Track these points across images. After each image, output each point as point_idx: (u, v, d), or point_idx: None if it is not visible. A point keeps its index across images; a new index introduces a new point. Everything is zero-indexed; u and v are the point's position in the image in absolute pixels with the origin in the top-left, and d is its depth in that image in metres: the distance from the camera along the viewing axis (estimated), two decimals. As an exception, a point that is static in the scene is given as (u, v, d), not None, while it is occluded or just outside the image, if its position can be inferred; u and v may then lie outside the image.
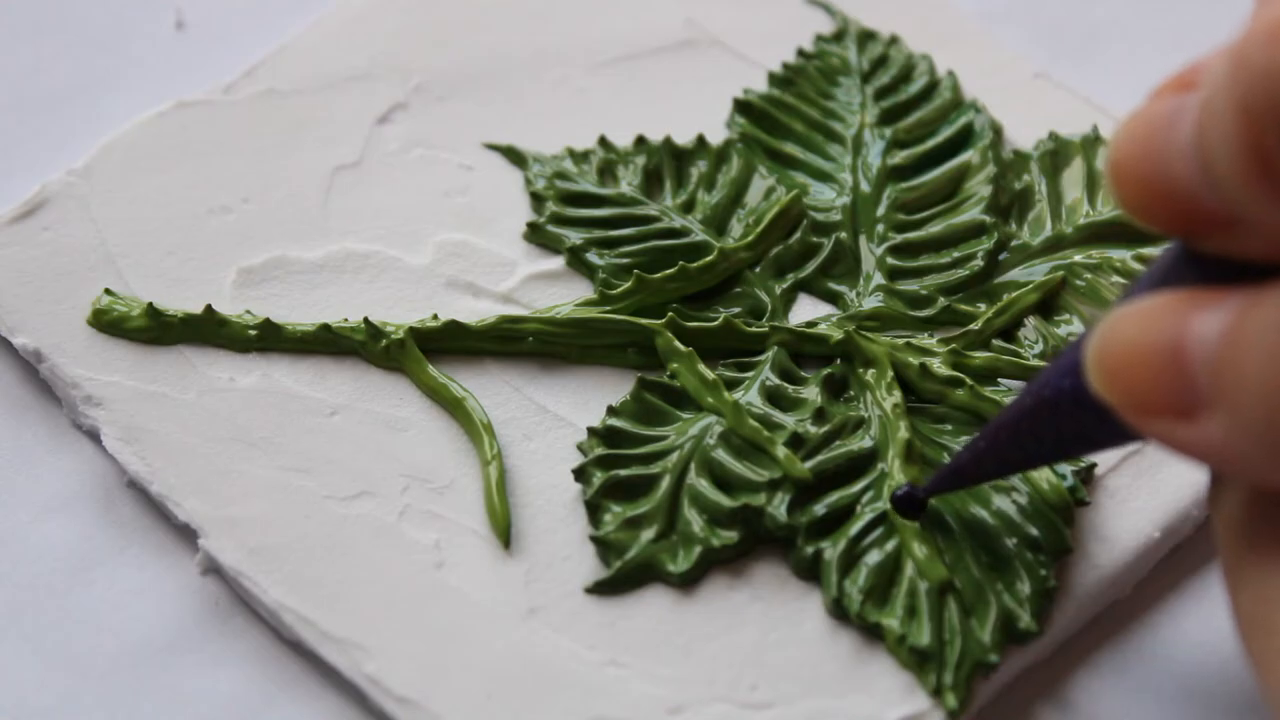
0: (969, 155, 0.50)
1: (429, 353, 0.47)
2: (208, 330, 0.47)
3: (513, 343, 0.47)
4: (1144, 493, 0.45)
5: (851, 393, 0.46)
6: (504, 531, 0.44)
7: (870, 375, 0.46)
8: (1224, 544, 0.36)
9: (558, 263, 0.49)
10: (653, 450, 0.45)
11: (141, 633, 0.44)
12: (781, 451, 0.44)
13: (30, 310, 0.47)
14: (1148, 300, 0.35)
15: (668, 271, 0.47)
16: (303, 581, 0.43)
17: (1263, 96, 0.32)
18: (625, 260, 0.48)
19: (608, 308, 0.47)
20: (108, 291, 0.47)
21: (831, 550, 0.43)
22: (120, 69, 0.55)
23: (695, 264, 0.48)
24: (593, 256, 0.48)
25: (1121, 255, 0.48)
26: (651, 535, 0.43)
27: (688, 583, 0.43)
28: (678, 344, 0.46)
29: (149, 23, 0.56)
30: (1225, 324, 0.33)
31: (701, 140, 0.51)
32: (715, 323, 0.47)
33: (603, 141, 0.51)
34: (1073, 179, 0.50)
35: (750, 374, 0.46)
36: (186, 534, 0.45)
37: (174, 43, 0.55)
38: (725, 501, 0.44)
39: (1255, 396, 0.33)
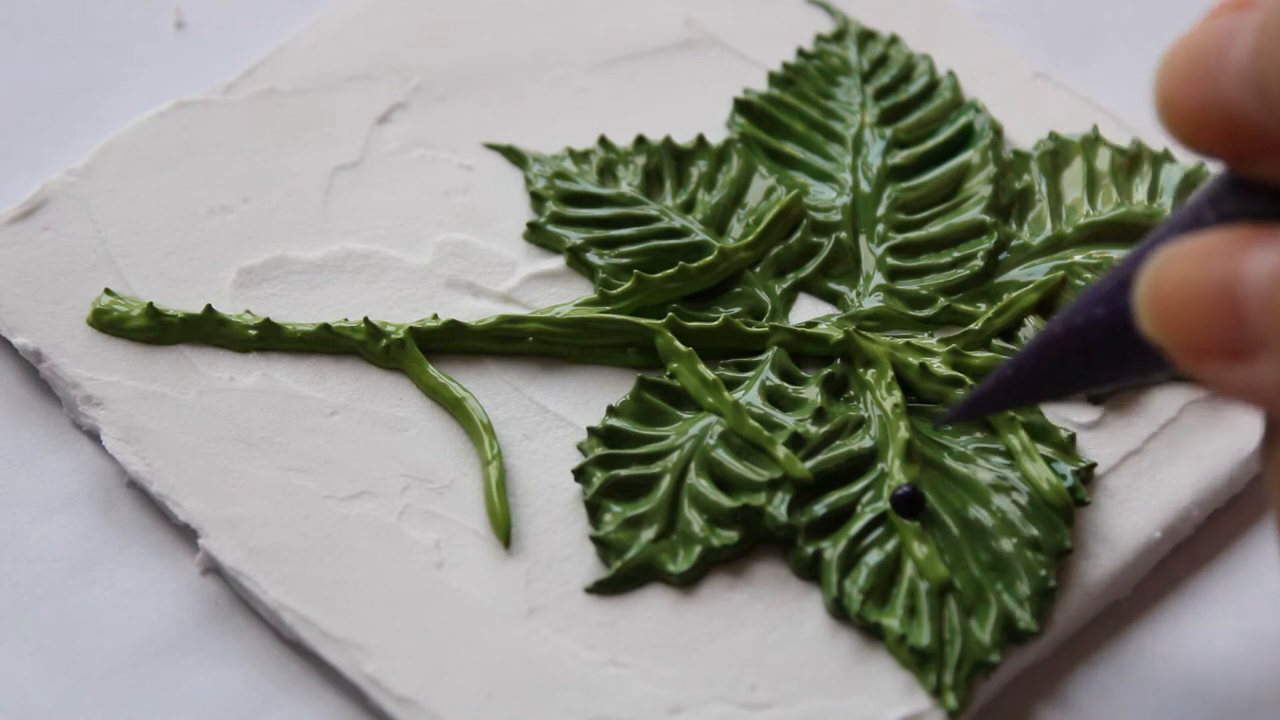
0: (969, 155, 0.50)
1: (429, 353, 0.47)
2: (208, 330, 0.47)
3: (513, 343, 0.47)
4: (1144, 493, 0.45)
5: (851, 393, 0.46)
6: (504, 531, 0.44)
7: (870, 375, 0.46)
8: (1277, 494, 0.36)
9: (558, 263, 0.49)
10: (653, 450, 0.45)
11: (141, 633, 0.44)
12: (781, 451, 0.44)
13: (30, 310, 0.47)
14: (1199, 238, 0.34)
15: (668, 271, 0.47)
16: (303, 581, 0.43)
17: None
18: (625, 260, 0.48)
19: (608, 308, 0.47)
20: (108, 291, 0.47)
21: (832, 550, 0.43)
22: (120, 69, 0.55)
23: (695, 264, 0.48)
24: (593, 256, 0.48)
25: (1121, 255, 0.48)
26: (651, 535, 0.43)
27: (688, 583, 0.43)
28: (678, 344, 0.46)
29: (149, 23, 0.56)
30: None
31: (701, 140, 0.51)
32: (715, 323, 0.47)
33: (603, 141, 0.51)
34: (1073, 179, 0.50)
35: (750, 374, 0.46)
36: (186, 534, 0.45)
37: (174, 43, 0.55)
38: (725, 501, 0.44)
39: None
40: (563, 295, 0.48)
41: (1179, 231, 0.35)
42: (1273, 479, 0.36)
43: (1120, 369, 0.37)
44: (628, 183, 0.50)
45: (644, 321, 0.47)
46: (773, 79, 0.52)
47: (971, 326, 0.47)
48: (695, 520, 0.44)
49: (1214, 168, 0.50)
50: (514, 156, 0.51)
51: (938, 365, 0.46)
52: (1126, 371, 0.37)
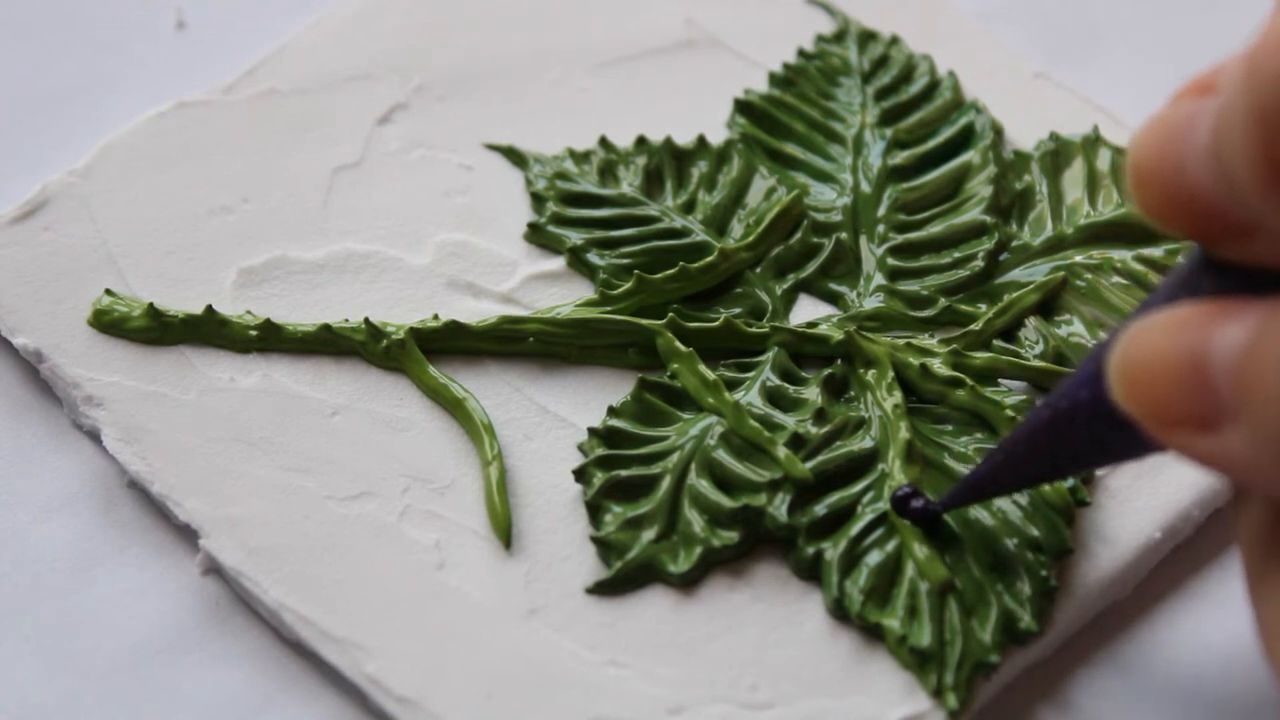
0: (969, 155, 0.50)
1: (429, 353, 0.47)
2: (208, 330, 0.47)
3: (513, 343, 0.47)
4: (1145, 493, 0.45)
5: (852, 393, 0.46)
6: (504, 532, 0.44)
7: (871, 376, 0.46)
8: (1246, 555, 0.37)
9: (558, 263, 0.49)
10: (653, 451, 0.45)
11: (141, 633, 0.44)
12: (782, 452, 0.44)
13: (30, 310, 0.47)
14: (1169, 311, 0.35)
15: (668, 272, 0.47)
16: (303, 581, 0.43)
17: (1277, 104, 0.31)
18: (626, 260, 0.48)
19: (608, 308, 0.47)
20: (108, 291, 0.47)
21: (832, 550, 0.43)
22: (120, 69, 0.55)
23: (696, 264, 0.48)
24: (593, 257, 0.48)
25: (1122, 255, 0.48)
26: (652, 535, 0.43)
27: (688, 583, 0.43)
28: (678, 344, 0.46)
29: (149, 23, 0.56)
30: (1247, 336, 0.33)
31: (702, 140, 0.51)
32: (716, 323, 0.47)
33: (603, 142, 0.51)
34: (1073, 179, 0.50)
35: (751, 374, 0.46)
36: (186, 534, 0.45)
37: (174, 43, 0.55)
38: (726, 502, 0.44)
39: (1277, 409, 0.33)
40: (563, 296, 0.48)
41: (1154, 309, 0.35)
42: (1242, 539, 0.37)
43: (1107, 451, 0.38)
44: (628, 183, 0.50)
45: (644, 322, 0.47)
46: (773, 79, 0.52)
47: (972, 327, 0.47)
48: (696, 521, 0.44)
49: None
50: (514, 157, 0.51)
51: (938, 366, 0.46)
52: (1114, 453, 0.38)
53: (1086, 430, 0.38)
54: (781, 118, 0.51)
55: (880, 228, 0.49)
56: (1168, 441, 0.35)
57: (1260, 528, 0.36)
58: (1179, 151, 0.34)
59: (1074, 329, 0.47)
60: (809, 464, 0.44)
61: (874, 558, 0.43)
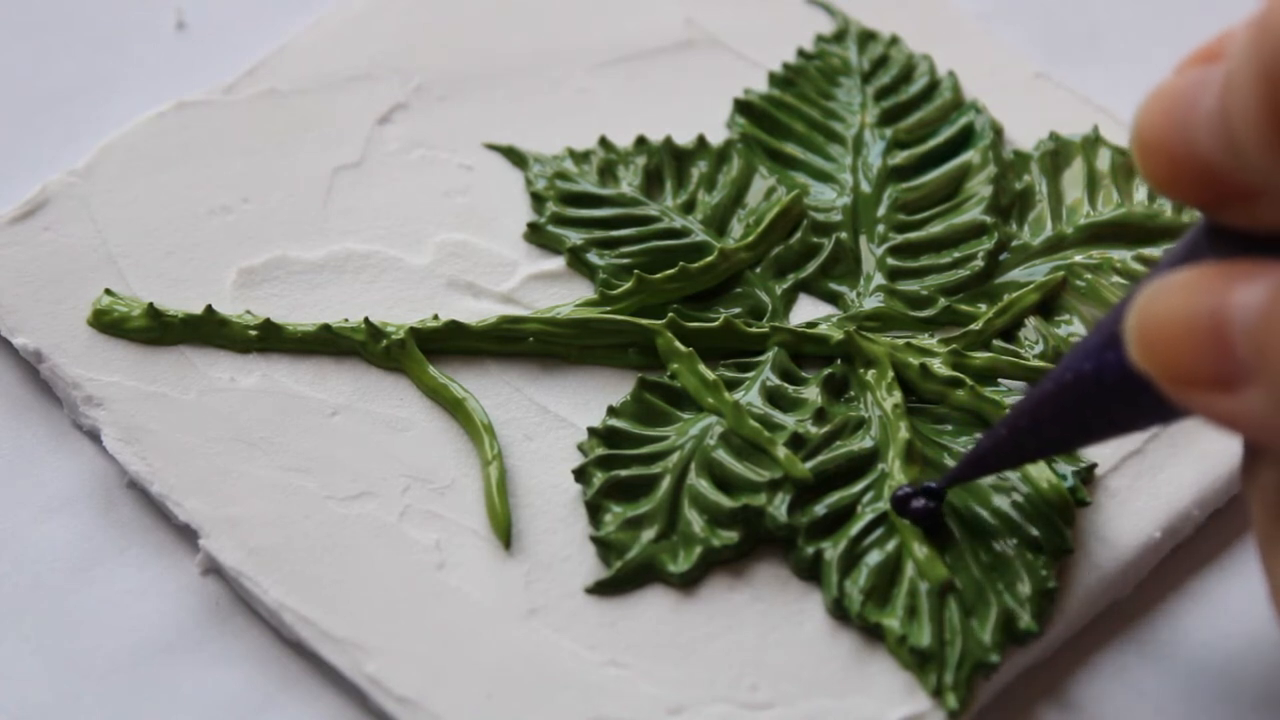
0: (969, 155, 0.50)
1: (429, 353, 0.47)
2: (208, 330, 0.47)
3: (513, 343, 0.47)
4: (1144, 493, 0.45)
5: (852, 393, 0.46)
6: (504, 532, 0.44)
7: (871, 375, 0.46)
8: (1258, 516, 0.37)
9: (558, 263, 0.49)
10: (653, 450, 0.45)
11: (141, 633, 0.44)
12: (782, 452, 0.44)
13: (30, 310, 0.47)
14: (1187, 272, 0.35)
15: (668, 272, 0.47)
16: (303, 581, 0.43)
17: None
18: (625, 260, 0.48)
19: (608, 308, 0.47)
20: (108, 291, 0.47)
21: (832, 550, 0.43)
22: (120, 69, 0.55)
23: (696, 264, 0.48)
24: (593, 257, 0.48)
25: (1122, 255, 0.48)
26: (652, 535, 0.43)
27: (688, 583, 0.43)
28: (678, 344, 0.46)
29: (149, 23, 0.56)
30: (1267, 296, 0.33)
31: (702, 140, 0.51)
32: (715, 323, 0.47)
33: (603, 142, 0.51)
34: (1073, 179, 0.50)
35: (750, 374, 0.46)
36: (186, 534, 0.45)
37: (174, 43, 0.55)
38: (725, 502, 0.44)
39: None
40: (563, 295, 0.48)
41: (1162, 272, 0.36)
42: (1254, 500, 0.37)
43: (1110, 423, 0.38)
44: (628, 183, 0.50)
45: (644, 322, 0.47)
46: (773, 79, 0.52)
47: (972, 327, 0.47)
48: (695, 520, 0.44)
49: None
50: (514, 157, 0.51)
51: (938, 365, 0.46)
52: (1116, 425, 0.38)
53: (1093, 402, 0.38)
54: (781, 118, 0.51)
55: (880, 228, 0.49)
56: (1186, 401, 0.35)
57: (1274, 490, 0.36)
58: (1184, 118, 0.34)
59: (1074, 329, 0.47)
60: (809, 464, 0.44)
61: (874, 558, 0.43)
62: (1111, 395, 0.37)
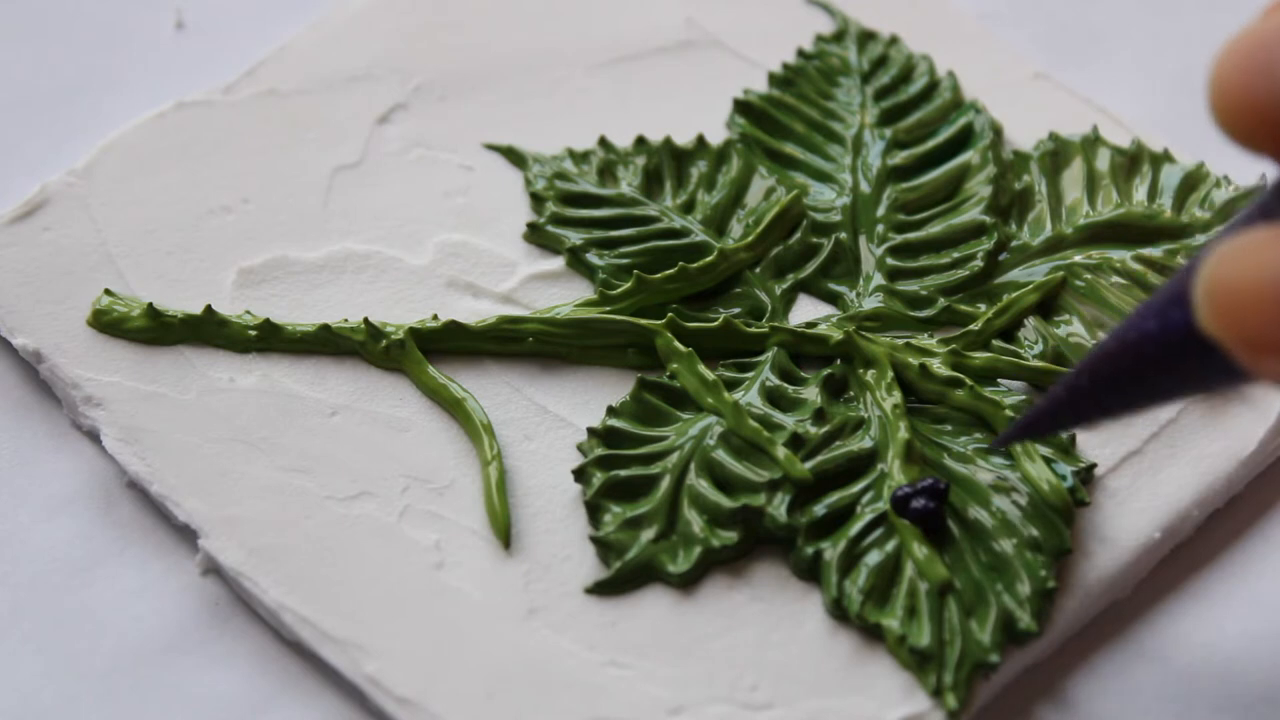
0: (969, 155, 0.50)
1: (429, 353, 0.47)
2: (208, 330, 0.47)
3: (513, 343, 0.47)
4: (1144, 493, 0.45)
5: (851, 393, 0.46)
6: (504, 532, 0.44)
7: (870, 376, 0.46)
8: None
9: (558, 263, 0.49)
10: (653, 450, 0.45)
11: (141, 633, 0.44)
12: (781, 452, 0.44)
13: (30, 310, 0.47)
14: (1259, 233, 0.34)
15: (668, 272, 0.48)
16: (303, 581, 0.43)
17: None
18: (625, 260, 0.48)
19: (608, 308, 0.47)
20: (108, 292, 0.47)
21: (831, 550, 0.43)
22: (120, 69, 0.55)
23: (695, 264, 0.48)
24: (593, 257, 0.48)
25: (1121, 255, 0.48)
26: (651, 535, 0.43)
27: (688, 583, 0.43)
28: (677, 344, 0.46)
29: (149, 23, 0.56)
30: None
31: (701, 140, 0.51)
32: (715, 323, 0.47)
33: (603, 142, 0.51)
34: (1073, 179, 0.50)
35: (750, 374, 0.46)
36: (186, 534, 0.45)
37: (174, 43, 0.55)
38: (725, 502, 0.44)
39: None
40: (563, 296, 0.48)
41: (1235, 235, 0.35)
42: None
43: (1173, 384, 0.37)
44: (628, 183, 0.50)
45: (644, 322, 0.47)
46: (773, 79, 0.52)
47: (971, 327, 0.47)
48: (695, 521, 0.44)
49: (1216, 171, 0.50)
50: (514, 157, 0.51)
51: (938, 366, 0.46)
52: (1180, 387, 0.37)
53: (1156, 362, 0.36)
54: (781, 118, 0.51)
55: (879, 228, 0.49)
56: (1258, 368, 0.34)
57: None
58: (1266, 65, 0.33)
59: (1073, 329, 0.47)
60: (808, 464, 0.44)
61: (873, 558, 0.43)
62: (1176, 355, 0.36)
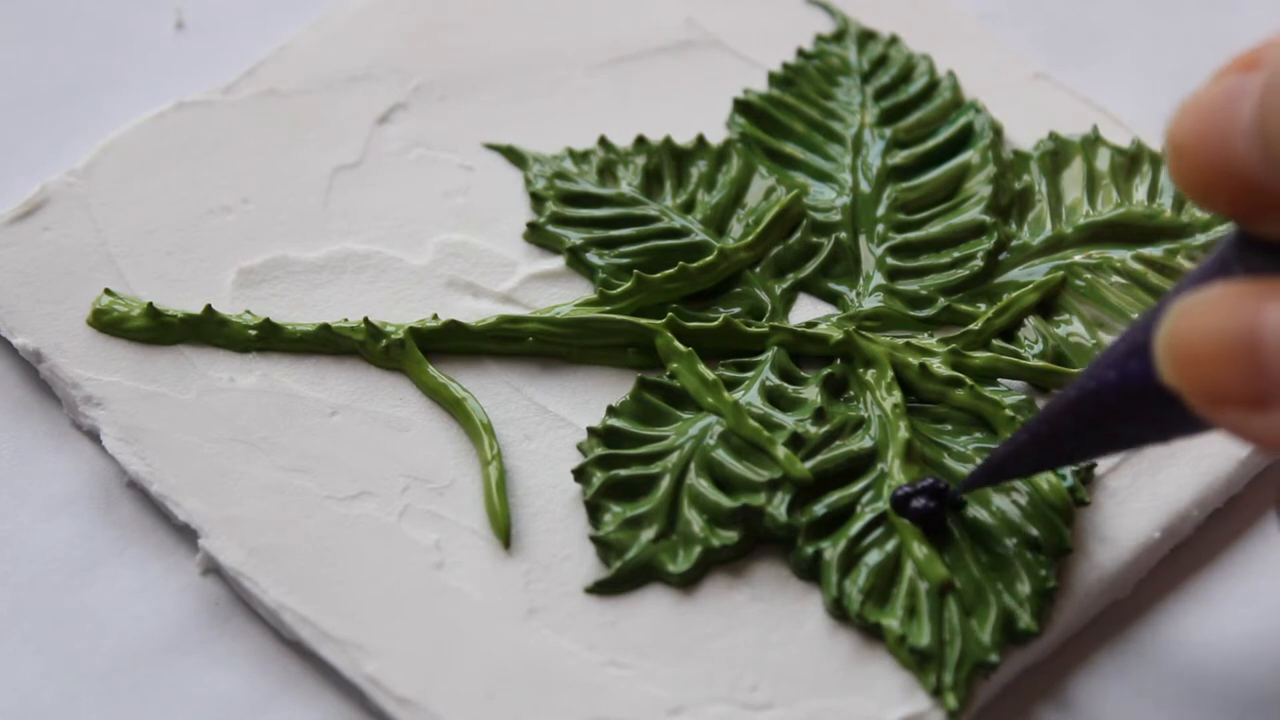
0: (969, 155, 0.50)
1: (429, 353, 0.47)
2: (208, 330, 0.47)
3: (513, 343, 0.47)
4: (1144, 493, 0.45)
5: (851, 393, 0.46)
6: (504, 531, 0.44)
7: (870, 375, 0.46)
8: None
9: (558, 263, 0.49)
10: (653, 450, 0.45)
11: (141, 633, 0.44)
12: (781, 452, 0.44)
13: (30, 310, 0.47)
14: (1218, 288, 0.34)
15: (668, 271, 0.47)
16: (303, 581, 0.43)
17: None
18: (625, 260, 0.48)
19: (608, 308, 0.47)
20: (108, 291, 0.47)
21: (831, 550, 0.43)
22: (120, 69, 0.55)
23: (695, 264, 0.48)
24: (593, 256, 0.48)
25: (1121, 255, 0.48)
26: (651, 535, 0.43)
27: (688, 583, 0.43)
28: (677, 344, 0.46)
29: (149, 23, 0.56)
30: None
31: (701, 140, 0.51)
32: (715, 323, 0.47)
33: (603, 141, 0.51)
34: (1073, 179, 0.50)
35: (750, 374, 0.46)
36: (186, 534, 0.45)
37: (174, 43, 0.55)
38: (725, 501, 0.44)
39: None
40: (563, 295, 0.48)
41: (1191, 289, 0.35)
42: None
43: (1132, 433, 0.38)
44: (628, 183, 0.50)
45: (644, 322, 0.47)
46: (773, 79, 0.52)
47: (971, 327, 0.47)
48: (695, 520, 0.44)
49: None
50: (514, 156, 0.51)
51: (938, 365, 0.46)
52: (1138, 435, 0.38)
53: (1115, 411, 0.37)
54: (781, 117, 0.51)
55: (880, 227, 0.49)
56: (1217, 420, 0.35)
57: None
58: (1221, 126, 0.34)
59: (1073, 328, 0.47)
60: (808, 464, 0.44)
61: (873, 557, 0.43)
62: (1135, 406, 0.37)
